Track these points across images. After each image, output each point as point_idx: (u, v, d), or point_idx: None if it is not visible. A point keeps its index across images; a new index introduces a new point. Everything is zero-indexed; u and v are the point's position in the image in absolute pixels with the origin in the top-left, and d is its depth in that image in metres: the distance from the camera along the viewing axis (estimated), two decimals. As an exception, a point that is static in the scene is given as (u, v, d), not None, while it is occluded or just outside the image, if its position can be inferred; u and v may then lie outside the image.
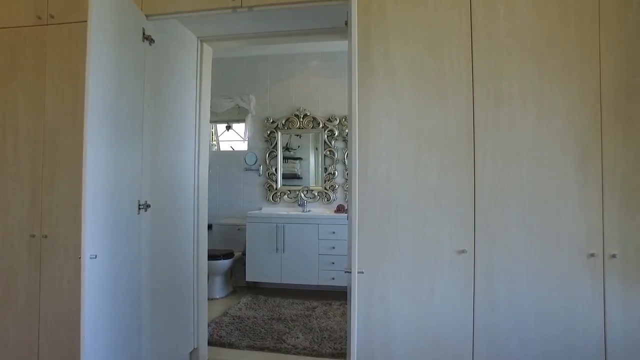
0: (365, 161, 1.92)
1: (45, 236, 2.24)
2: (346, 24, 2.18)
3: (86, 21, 2.25)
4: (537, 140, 1.82)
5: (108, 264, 1.79)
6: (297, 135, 4.83)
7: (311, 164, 4.84)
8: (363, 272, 1.36)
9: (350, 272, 1.39)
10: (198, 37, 2.78)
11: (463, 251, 1.84)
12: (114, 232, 1.88)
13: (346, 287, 4.34)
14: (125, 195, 2.00)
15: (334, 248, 4.11)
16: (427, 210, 1.88)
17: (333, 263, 4.11)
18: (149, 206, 2.20)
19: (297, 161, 4.88)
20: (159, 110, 2.38)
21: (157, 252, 2.34)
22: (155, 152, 2.32)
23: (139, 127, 2.14)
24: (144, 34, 2.15)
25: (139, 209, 2.12)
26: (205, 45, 2.84)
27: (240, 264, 4.66)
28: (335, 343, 3.10)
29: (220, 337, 3.20)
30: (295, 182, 4.84)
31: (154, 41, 2.23)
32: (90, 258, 1.60)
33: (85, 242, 1.57)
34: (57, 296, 2.22)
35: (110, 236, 1.83)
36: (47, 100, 2.28)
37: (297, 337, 3.19)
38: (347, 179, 4.61)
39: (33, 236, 2.25)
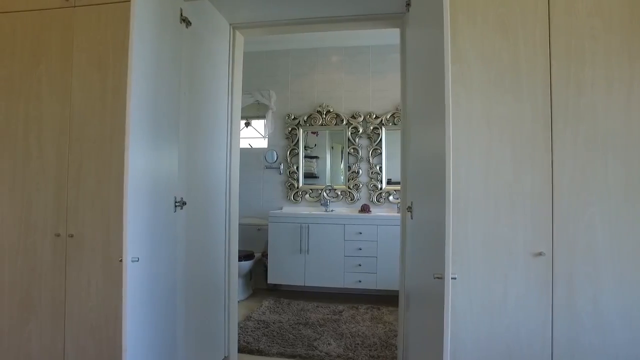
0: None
1: (71, 235, 2.05)
2: (408, 5, 2.00)
3: (116, 2, 2.11)
4: (625, 131, 1.62)
5: (148, 267, 1.60)
6: (314, 134, 4.64)
7: (327, 163, 4.64)
8: (455, 278, 1.17)
9: (441, 278, 1.19)
10: (230, 24, 2.59)
11: (540, 254, 1.65)
12: (153, 232, 1.69)
13: (373, 289, 4.24)
14: (164, 192, 1.82)
15: (360, 249, 3.91)
16: (499, 209, 1.69)
17: (360, 265, 3.91)
18: (185, 203, 2.01)
19: (314, 160, 4.69)
20: (194, 101, 2.19)
21: (191, 253, 2.15)
22: (190, 146, 2.13)
23: (176, 118, 1.95)
24: (181, 14, 1.96)
25: (175, 206, 1.93)
26: (237, 33, 2.66)
27: (260, 265, 4.47)
28: (370, 350, 2.90)
29: (248, 343, 3.00)
30: (318, 181, 4.65)
31: (190, 23, 2.04)
32: (132, 261, 1.41)
33: (127, 243, 1.38)
34: (84, 301, 2.02)
35: (150, 236, 1.64)
36: (74, 87, 2.09)
37: (329, 344, 2.99)
38: (372, 177, 4.42)
39: (58, 235, 2.06)
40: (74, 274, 2.04)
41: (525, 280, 1.66)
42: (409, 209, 1.76)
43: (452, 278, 1.19)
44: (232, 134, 2.68)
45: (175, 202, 1.93)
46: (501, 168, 1.70)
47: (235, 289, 2.74)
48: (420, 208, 1.64)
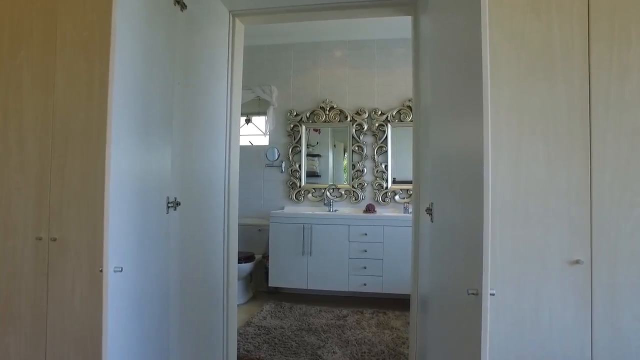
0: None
1: (54, 239, 1.84)
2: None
3: (105, -18, 1.91)
4: (676, 122, 1.42)
5: (135, 276, 1.40)
6: (316, 131, 4.43)
7: (330, 161, 4.44)
8: (494, 294, 0.97)
9: (476, 295, 0.99)
10: (230, 11, 2.38)
11: (577, 261, 1.45)
12: (142, 237, 1.48)
13: (379, 293, 4.04)
14: (154, 192, 1.61)
15: (365, 251, 3.71)
16: (530, 210, 1.49)
17: (365, 267, 3.71)
18: (179, 204, 1.81)
19: (316, 158, 4.49)
20: (190, 93, 1.99)
21: (187, 256, 1.95)
22: (185, 142, 1.93)
23: (169, 111, 1.74)
24: (175, -5, 1.76)
25: (168, 207, 1.73)
26: (237, 20, 2.45)
27: (260, 267, 4.27)
28: (378, 358, 2.70)
29: (248, 351, 2.80)
30: (320, 180, 4.45)
31: (185, 7, 1.84)
32: (115, 271, 1.21)
33: (108, 251, 1.17)
34: (68, 311, 1.82)
35: (137, 242, 1.44)
36: (58, 77, 1.88)
37: (334, 352, 2.80)
38: (377, 176, 4.22)
39: (40, 239, 1.86)
40: (57, 281, 1.84)
41: (560, 292, 1.46)
42: (429, 210, 1.56)
43: (490, 294, 0.99)
44: (232, 130, 2.48)
45: (168, 202, 1.73)
46: (532, 165, 1.50)
47: (235, 293, 2.55)
48: (443, 210, 1.43)
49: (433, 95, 1.66)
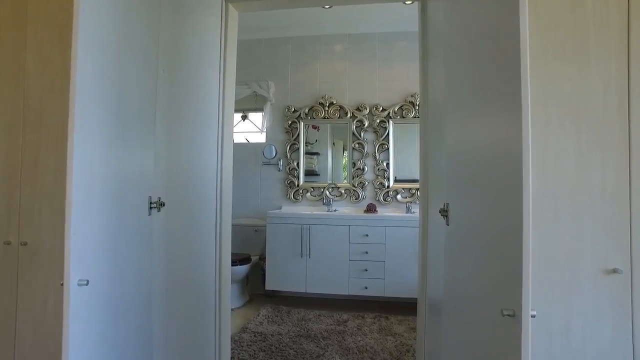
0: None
1: (25, 243, 1.65)
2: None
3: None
4: None
5: (106, 286, 1.20)
6: (315, 129, 4.24)
7: (329, 160, 4.25)
8: (535, 315, 0.79)
9: (513, 316, 0.80)
10: (222, -5, 2.19)
11: (614, 270, 1.26)
12: (116, 243, 1.29)
13: (381, 297, 3.84)
14: (133, 193, 1.42)
15: (366, 253, 3.52)
16: (558, 214, 1.30)
17: (366, 270, 3.52)
18: (163, 204, 1.61)
19: (315, 156, 4.29)
20: (177, 83, 1.79)
21: (173, 259, 1.76)
22: (171, 137, 1.74)
23: (152, 103, 1.55)
24: (157, -29, 1.56)
25: (151, 208, 1.53)
26: (230, 7, 2.25)
27: (257, 269, 4.07)
28: (381, 370, 2.52)
29: (243, 361, 2.61)
30: (319, 178, 4.25)
31: (170, -15, 1.64)
32: (79, 285, 1.01)
33: (69, 263, 0.98)
34: (39, 323, 1.63)
35: (110, 249, 1.24)
36: (29, 63, 1.68)
37: (335, 362, 2.61)
38: (378, 174, 4.03)
39: (8, 243, 1.66)
40: (27, 291, 1.64)
41: (594, 305, 1.27)
42: (444, 212, 1.37)
43: (531, 316, 0.80)
44: (225, 126, 2.28)
45: (151, 203, 1.54)
46: (561, 161, 1.31)
47: (228, 297, 2.35)
48: (461, 212, 1.24)
49: (448, 88, 1.47)
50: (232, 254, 3.97)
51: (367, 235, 3.53)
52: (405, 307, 3.61)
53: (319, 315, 3.46)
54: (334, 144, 4.30)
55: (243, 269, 3.70)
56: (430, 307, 1.97)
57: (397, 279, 3.47)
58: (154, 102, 1.56)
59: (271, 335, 3.04)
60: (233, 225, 4.20)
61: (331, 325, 3.26)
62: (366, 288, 3.52)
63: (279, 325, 3.26)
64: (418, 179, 4.09)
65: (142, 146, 1.48)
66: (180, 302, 1.85)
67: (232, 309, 3.69)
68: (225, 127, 2.28)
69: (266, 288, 3.70)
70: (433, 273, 1.89)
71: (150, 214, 1.53)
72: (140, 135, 1.47)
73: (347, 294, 3.56)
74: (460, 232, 1.24)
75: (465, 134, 1.24)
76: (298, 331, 3.12)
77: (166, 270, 1.70)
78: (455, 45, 1.36)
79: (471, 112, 1.20)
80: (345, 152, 4.22)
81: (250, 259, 3.83)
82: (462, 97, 1.30)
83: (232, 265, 3.66)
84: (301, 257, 3.61)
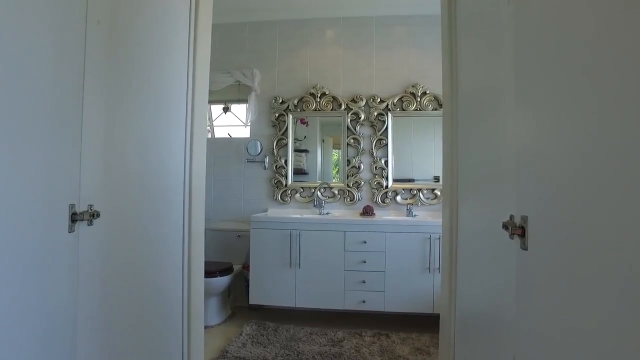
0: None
1: None
2: None
3: None
4: None
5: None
6: (304, 124, 3.75)
7: (318, 158, 3.77)
8: None
9: None
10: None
11: None
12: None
13: (380, 312, 3.24)
14: (34, 206, 0.91)
15: (364, 262, 3.05)
16: (620, 220, 0.83)
17: (364, 282, 3.05)
18: (97, 215, 1.11)
19: (303, 154, 3.81)
20: (124, 45, 1.28)
21: (115, 283, 1.25)
22: (112, 125, 1.23)
23: (75, 71, 1.04)
24: None
25: (74, 221, 1.02)
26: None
27: (240, 279, 3.57)
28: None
29: (220, 398, 2.11)
30: (307, 177, 3.77)
31: None
32: None
33: None
34: None
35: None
36: None
37: (331, 398, 2.12)
38: (376, 173, 3.56)
39: None
40: None
41: None
42: (515, 227, 0.89)
43: None
44: (195, 117, 1.79)
45: (74, 214, 1.03)
46: (619, 150, 0.84)
47: (201, 318, 1.88)
48: (563, 235, 0.76)
49: (522, 80, 0.98)
50: (212, 263, 3.46)
51: (364, 242, 3.06)
52: (407, 323, 3.16)
53: (310, 334, 2.98)
54: (323, 141, 3.82)
55: (224, 280, 3.19)
56: (461, 326, 1.52)
57: (399, 291, 3.01)
58: (80, 72, 1.06)
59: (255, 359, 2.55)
60: (213, 231, 3.71)
61: (325, 346, 2.78)
62: (364, 302, 3.05)
63: (264, 346, 2.77)
64: (419, 178, 3.70)
65: (51, 137, 0.97)
66: (127, 329, 1.36)
67: (211, 326, 3.18)
68: (196, 119, 1.79)
69: (250, 302, 3.20)
70: (465, 287, 1.45)
71: (73, 230, 1.02)
72: (47, 121, 0.96)
73: (342, 309, 3.08)
74: (560, 266, 0.76)
75: (562, 129, 0.77)
76: (287, 354, 2.63)
77: (103, 298, 1.19)
78: (538, 29, 0.90)
79: (573, 100, 0.74)
80: (336, 150, 3.73)
81: (232, 269, 3.32)
82: (550, 84, 0.83)
83: (211, 276, 3.16)
84: (290, 267, 3.12)
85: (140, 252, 1.41)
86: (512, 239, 0.89)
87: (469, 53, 1.51)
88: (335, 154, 3.75)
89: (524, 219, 0.86)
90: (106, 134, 1.19)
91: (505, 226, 0.92)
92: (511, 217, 0.92)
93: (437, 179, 3.51)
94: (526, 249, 0.86)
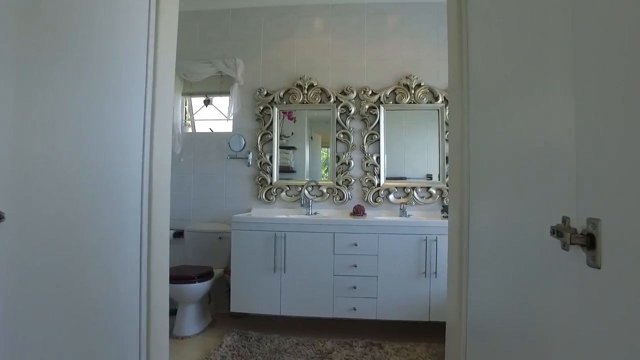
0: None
1: None
2: None
3: None
4: None
5: None
6: (291, 119, 3.47)
7: (306, 155, 3.50)
8: None
9: None
10: None
11: None
12: None
13: (372, 320, 2.91)
14: None
15: (355, 266, 2.79)
16: None
17: (355, 287, 2.79)
18: (1, 218, 0.82)
19: (290, 151, 3.53)
20: (49, 14, 1.00)
21: (32, 294, 0.96)
22: (28, 114, 0.94)
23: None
24: None
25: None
26: None
27: (222, 284, 3.29)
28: None
29: None
30: (295, 175, 3.49)
31: None
32: None
33: None
34: None
35: None
36: None
37: (318, 422, 1.86)
38: (367, 170, 3.31)
39: None
40: None
41: None
42: (575, 235, 0.63)
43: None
44: (156, 104, 1.50)
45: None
46: None
47: (164, 329, 1.61)
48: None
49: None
50: (190, 267, 3.17)
51: (355, 245, 2.80)
52: (401, 332, 2.90)
53: (296, 344, 2.71)
54: (311, 138, 3.55)
55: (202, 286, 2.90)
56: (476, 338, 1.27)
57: (393, 298, 2.76)
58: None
59: (234, 377, 2.27)
60: (192, 232, 3.41)
61: (312, 358, 2.52)
62: (355, 309, 2.79)
63: (245, 360, 2.49)
64: (412, 176, 3.46)
65: None
66: (55, 344, 1.07)
67: (189, 337, 2.89)
68: (157, 106, 1.50)
69: (231, 310, 2.91)
70: (480, 295, 1.20)
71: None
72: None
73: (331, 317, 2.82)
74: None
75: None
76: (270, 370, 2.36)
77: (16, 322, 0.91)
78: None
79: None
80: (325, 149, 3.47)
81: (212, 273, 3.04)
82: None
83: (188, 282, 2.87)
84: (274, 271, 2.84)
85: (70, 258, 1.12)
86: (568, 250, 0.64)
87: (480, 43, 1.26)
88: (324, 153, 3.48)
89: (593, 223, 0.60)
90: (18, 125, 0.91)
91: (556, 232, 0.66)
92: (565, 220, 0.67)
93: (429, 176, 3.27)
94: (597, 267, 0.60)
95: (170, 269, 3.07)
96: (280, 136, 3.49)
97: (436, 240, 2.71)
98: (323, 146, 3.49)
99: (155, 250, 1.47)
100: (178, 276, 2.83)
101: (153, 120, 1.45)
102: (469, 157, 1.22)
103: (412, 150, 3.34)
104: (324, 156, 3.48)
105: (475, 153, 1.19)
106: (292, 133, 3.53)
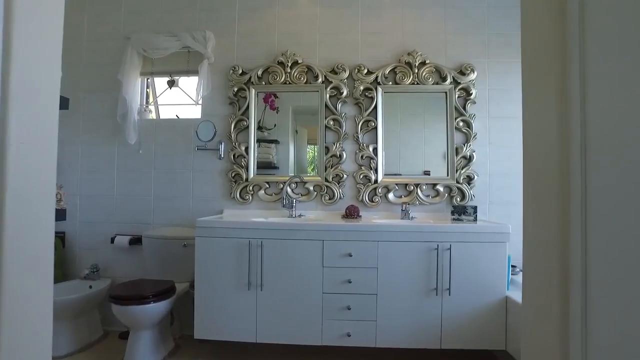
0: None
1: None
2: None
3: None
4: None
5: None
6: (273, 109, 2.87)
7: (291, 150, 2.89)
8: None
9: None
10: None
11: None
12: None
13: (371, 348, 2.06)
14: None
15: (350, 282, 2.20)
16: None
17: (349, 308, 2.20)
18: None
19: (273, 145, 2.92)
20: None
21: None
22: None
23: None
24: None
25: None
26: None
27: (187, 300, 2.66)
28: None
29: None
30: (277, 172, 2.88)
31: None
32: None
33: None
34: None
35: None
36: None
37: None
38: (362, 164, 2.73)
39: None
40: None
41: None
42: None
43: None
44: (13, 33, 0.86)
45: None
46: None
47: None
48: None
49: None
50: (148, 282, 2.53)
51: (350, 255, 2.20)
52: (406, 362, 2.33)
53: (275, 381, 2.11)
54: (296, 132, 2.94)
55: (160, 306, 2.29)
56: None
57: (396, 320, 2.18)
58: None
59: None
60: (152, 239, 2.77)
61: (295, 402, 1.92)
62: (349, 335, 2.19)
63: (208, 407, 1.88)
64: (411, 173, 2.87)
65: None
66: None
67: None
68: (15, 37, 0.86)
69: (195, 337, 2.29)
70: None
71: None
72: None
73: (319, 344, 2.22)
74: None
75: None
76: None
77: None
78: None
79: None
80: (312, 146, 2.86)
81: (173, 290, 2.43)
82: None
83: (142, 303, 2.25)
84: (248, 288, 2.23)
85: None
86: None
87: None
88: (311, 151, 2.88)
89: None
90: None
91: None
92: None
93: (427, 172, 2.71)
94: None
95: (122, 284, 2.45)
96: (261, 128, 2.88)
97: (450, 249, 2.14)
98: (310, 143, 2.88)
99: (19, 265, 0.85)
100: (128, 295, 2.21)
101: (8, 98, 0.83)
102: (587, 126, 0.65)
103: (412, 141, 2.77)
104: (311, 154, 2.87)
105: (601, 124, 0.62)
106: (275, 125, 2.92)
